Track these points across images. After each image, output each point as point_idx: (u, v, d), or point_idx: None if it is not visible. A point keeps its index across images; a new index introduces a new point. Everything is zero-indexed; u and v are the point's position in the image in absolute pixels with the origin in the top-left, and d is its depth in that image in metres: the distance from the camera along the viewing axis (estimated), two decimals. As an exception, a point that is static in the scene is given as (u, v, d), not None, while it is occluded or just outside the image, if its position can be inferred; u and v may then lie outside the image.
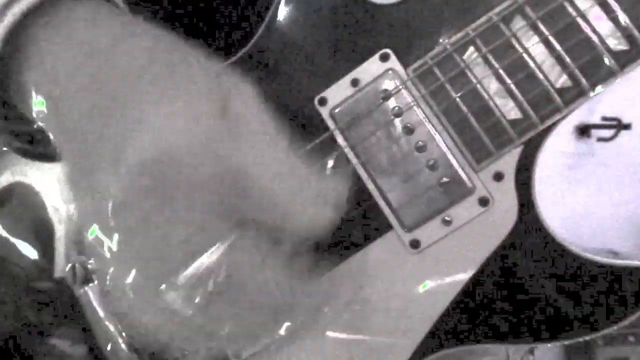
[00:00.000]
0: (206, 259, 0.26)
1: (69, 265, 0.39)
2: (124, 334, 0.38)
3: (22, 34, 0.27)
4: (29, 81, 0.28)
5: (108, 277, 0.27)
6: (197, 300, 0.26)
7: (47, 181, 0.41)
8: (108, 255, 0.27)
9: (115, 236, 0.26)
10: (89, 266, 0.39)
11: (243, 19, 0.39)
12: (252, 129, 0.27)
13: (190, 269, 0.26)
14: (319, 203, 0.27)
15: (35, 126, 0.32)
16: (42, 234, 0.40)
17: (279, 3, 0.36)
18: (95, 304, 0.39)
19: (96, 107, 0.26)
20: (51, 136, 0.29)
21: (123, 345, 0.39)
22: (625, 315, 0.31)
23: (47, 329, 0.41)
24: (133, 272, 0.26)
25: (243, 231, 0.26)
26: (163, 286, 0.26)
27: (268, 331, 0.29)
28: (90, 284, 0.39)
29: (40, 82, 0.28)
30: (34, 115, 0.29)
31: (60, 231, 0.41)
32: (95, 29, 0.28)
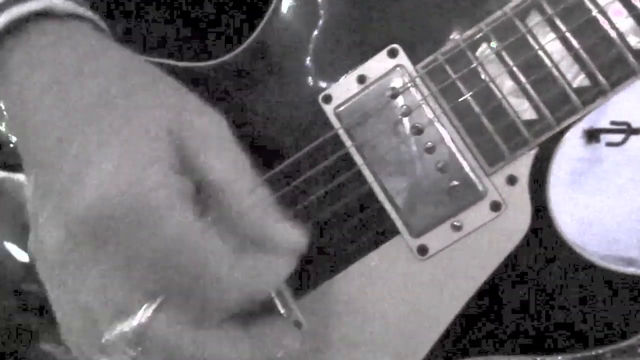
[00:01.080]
0: (130, 324, 0.25)
1: None
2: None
3: None
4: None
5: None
6: None
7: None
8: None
9: (50, 285, 0.26)
10: None
11: (250, 7, 0.38)
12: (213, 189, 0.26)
13: (115, 332, 0.25)
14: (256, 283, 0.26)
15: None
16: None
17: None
18: None
19: (55, 137, 0.26)
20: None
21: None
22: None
23: (37, 332, 0.41)
24: (65, 325, 0.26)
25: (168, 302, 0.25)
26: (91, 343, 0.25)
27: None
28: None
29: (9, 101, 0.28)
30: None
31: None
32: (63, 53, 0.27)
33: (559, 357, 0.31)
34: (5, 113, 0.28)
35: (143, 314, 0.24)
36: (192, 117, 0.26)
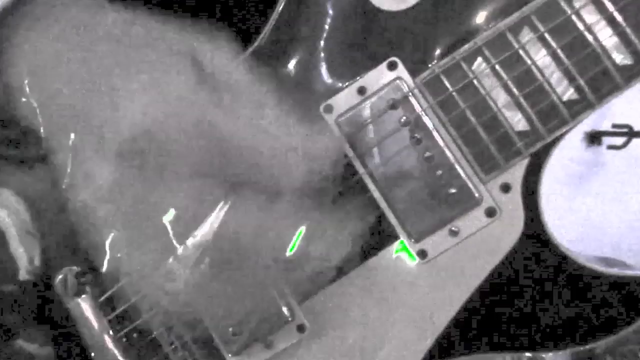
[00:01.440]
0: (208, 227, 0.27)
1: (60, 276, 0.40)
2: (123, 339, 0.39)
3: None
4: (13, 80, 0.29)
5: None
6: (200, 271, 0.27)
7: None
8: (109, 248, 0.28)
9: (116, 223, 0.28)
10: (82, 278, 0.40)
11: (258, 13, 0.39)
12: (233, 89, 0.29)
13: (193, 239, 0.27)
14: (307, 158, 0.29)
15: (20, 129, 0.33)
16: None
17: (281, 10, 0.37)
18: (88, 315, 0.40)
19: (79, 95, 0.29)
20: (42, 133, 0.30)
21: (118, 356, 0.40)
22: (629, 323, 0.34)
23: (12, 331, 0.41)
24: (136, 253, 0.28)
25: (239, 193, 0.28)
26: (170, 260, 0.28)
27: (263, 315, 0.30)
28: (83, 295, 0.40)
29: (26, 79, 0.29)
30: (21, 114, 0.30)
31: (11, 232, 0.41)
32: (70, 20, 0.29)
33: (550, 354, 0.34)
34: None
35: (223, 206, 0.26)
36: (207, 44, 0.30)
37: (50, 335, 0.41)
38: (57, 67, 0.29)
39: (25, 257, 0.40)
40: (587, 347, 0.34)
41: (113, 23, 0.30)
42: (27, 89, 0.31)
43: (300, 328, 0.37)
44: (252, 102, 0.30)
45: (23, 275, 0.40)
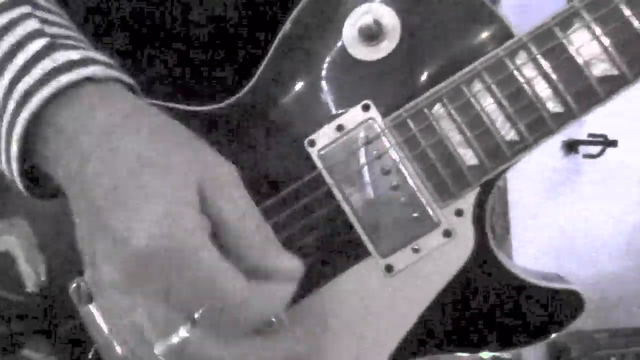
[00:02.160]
0: (175, 339, 0.32)
1: (74, 284, 0.44)
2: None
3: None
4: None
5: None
6: None
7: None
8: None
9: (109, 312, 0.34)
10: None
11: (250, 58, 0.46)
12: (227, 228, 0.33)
13: (162, 346, 0.32)
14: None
15: None
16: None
17: (272, 54, 0.44)
18: (99, 321, 0.44)
19: (109, 186, 0.33)
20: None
21: None
22: (559, 329, 0.41)
23: (19, 340, 0.46)
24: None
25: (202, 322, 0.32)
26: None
27: None
28: (94, 302, 0.44)
29: (64, 153, 0.35)
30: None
31: (19, 253, 0.46)
32: (110, 112, 0.35)
33: (490, 354, 0.41)
34: (58, 163, 0.36)
35: (184, 331, 0.32)
36: (213, 169, 0.34)
37: (55, 346, 0.45)
38: (91, 157, 0.34)
39: (32, 273, 0.46)
40: (523, 348, 0.41)
41: (148, 120, 0.35)
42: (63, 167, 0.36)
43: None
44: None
45: (30, 287, 0.46)
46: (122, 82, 0.38)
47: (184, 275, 0.32)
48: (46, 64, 0.35)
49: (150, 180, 0.33)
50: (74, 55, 0.36)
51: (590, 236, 2.17)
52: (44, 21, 0.38)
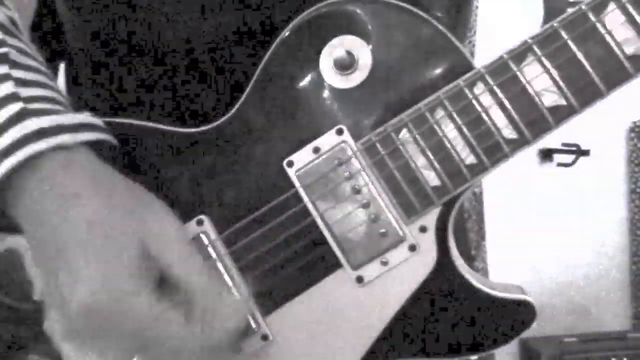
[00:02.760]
0: None
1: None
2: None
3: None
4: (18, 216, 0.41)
5: None
6: None
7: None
8: None
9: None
10: None
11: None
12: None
13: None
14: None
15: None
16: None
17: (255, 82, 0.48)
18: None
19: (54, 251, 0.39)
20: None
21: None
22: (513, 337, 0.46)
23: (26, 346, 0.51)
24: None
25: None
26: None
27: None
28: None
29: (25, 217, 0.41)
30: None
31: (29, 256, 0.49)
32: (66, 182, 0.41)
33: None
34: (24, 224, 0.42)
35: None
36: (156, 228, 0.41)
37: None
38: (46, 220, 0.40)
39: (40, 279, 0.50)
40: (484, 354, 0.46)
41: (100, 187, 0.41)
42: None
43: (264, 337, 0.48)
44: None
45: (37, 294, 0.49)
46: (92, 142, 0.43)
47: (126, 323, 0.38)
48: (16, 132, 0.41)
49: (94, 245, 0.39)
50: (45, 122, 0.41)
51: (563, 244, 2.25)
52: (20, 82, 0.43)
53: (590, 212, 2.20)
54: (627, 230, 2.26)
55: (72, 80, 0.57)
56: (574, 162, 2.24)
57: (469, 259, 1.13)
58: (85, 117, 0.44)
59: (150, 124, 0.49)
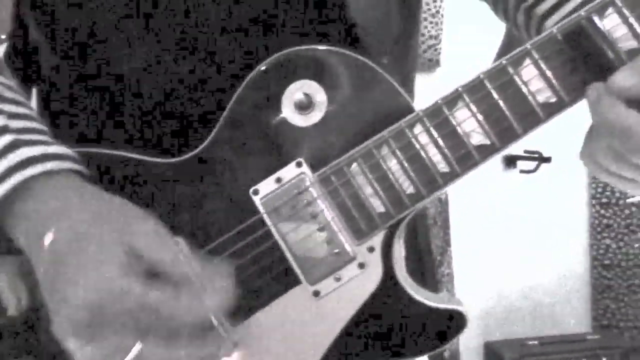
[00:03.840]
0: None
1: None
2: None
3: None
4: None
5: None
6: None
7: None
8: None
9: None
10: None
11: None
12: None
13: None
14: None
15: None
16: None
17: (224, 120, 0.57)
18: None
19: (51, 259, 0.47)
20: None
21: None
22: (446, 342, 0.55)
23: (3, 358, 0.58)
24: None
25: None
26: None
27: None
28: None
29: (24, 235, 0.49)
30: None
31: (3, 278, 0.56)
32: (53, 202, 0.49)
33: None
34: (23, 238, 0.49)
35: (137, 347, 0.45)
36: (138, 231, 0.48)
37: None
38: (43, 235, 0.47)
39: (13, 300, 0.57)
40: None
41: (86, 204, 0.49)
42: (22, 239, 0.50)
43: (234, 344, 0.56)
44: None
45: (11, 312, 0.57)
46: (73, 170, 0.52)
47: (124, 312, 0.45)
48: (10, 160, 0.49)
49: (85, 252, 0.46)
50: (35, 151, 0.50)
51: (526, 248, 2.37)
52: (11, 116, 0.52)
53: (553, 217, 2.33)
54: (588, 235, 2.40)
55: (44, 106, 0.65)
56: (536, 168, 2.37)
57: (434, 265, 1.23)
58: (63, 149, 0.52)
59: (124, 153, 0.57)
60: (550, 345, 2.11)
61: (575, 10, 0.54)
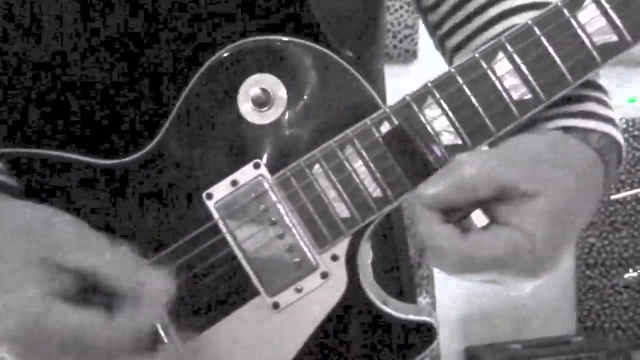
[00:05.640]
0: None
1: None
2: None
3: None
4: None
5: None
6: None
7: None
8: None
9: None
10: None
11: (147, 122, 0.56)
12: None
13: None
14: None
15: None
16: None
17: (174, 117, 0.54)
18: None
19: None
20: None
21: None
22: (416, 355, 0.53)
23: None
24: None
25: None
26: None
27: None
28: None
29: None
30: None
31: None
32: None
33: None
34: None
35: None
36: (55, 239, 0.45)
37: None
38: None
39: None
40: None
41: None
42: None
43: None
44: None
45: None
46: None
47: (51, 339, 0.43)
48: None
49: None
50: None
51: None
52: None
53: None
54: (572, 234, 2.41)
55: None
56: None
57: (412, 268, 1.22)
58: None
59: (62, 154, 0.55)
60: (534, 349, 2.12)
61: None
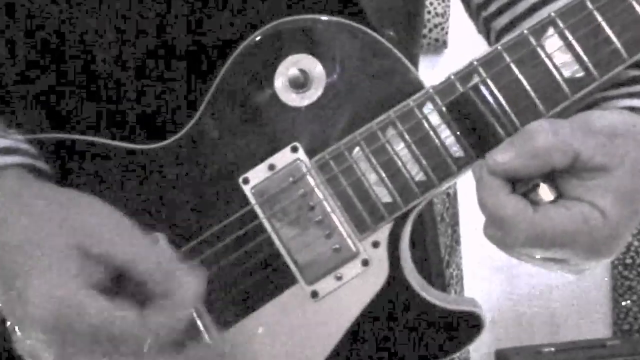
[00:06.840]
0: None
1: None
2: None
3: None
4: None
5: None
6: None
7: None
8: None
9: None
10: None
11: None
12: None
13: None
14: None
15: None
16: None
17: (210, 99, 0.54)
18: None
19: (1, 281, 0.45)
20: None
21: None
22: (461, 347, 0.53)
23: None
24: None
25: None
26: None
27: None
28: None
29: None
30: None
31: None
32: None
33: None
34: None
35: None
36: (91, 229, 0.46)
37: None
38: None
39: None
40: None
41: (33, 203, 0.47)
42: None
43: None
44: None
45: None
46: (23, 164, 0.49)
47: (81, 328, 0.43)
48: None
49: (30, 264, 0.44)
50: None
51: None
52: None
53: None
54: (607, 233, 2.37)
55: None
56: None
57: (441, 265, 1.21)
58: (12, 142, 0.50)
59: (96, 139, 0.55)
60: (567, 352, 2.09)
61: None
